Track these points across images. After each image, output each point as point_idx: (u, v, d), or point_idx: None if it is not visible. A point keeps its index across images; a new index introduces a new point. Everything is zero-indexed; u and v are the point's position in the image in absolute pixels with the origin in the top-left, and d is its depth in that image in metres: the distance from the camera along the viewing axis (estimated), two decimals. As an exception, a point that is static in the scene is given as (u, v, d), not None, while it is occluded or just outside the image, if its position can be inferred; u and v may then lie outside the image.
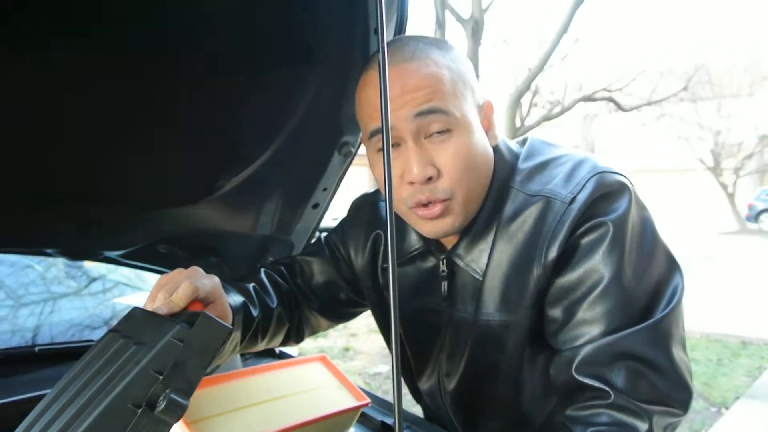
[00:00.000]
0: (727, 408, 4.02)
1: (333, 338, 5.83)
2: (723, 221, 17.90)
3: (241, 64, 1.19)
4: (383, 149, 0.60)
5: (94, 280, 2.21)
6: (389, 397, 1.31)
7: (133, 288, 2.23)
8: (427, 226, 0.95)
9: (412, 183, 0.91)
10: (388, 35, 1.21)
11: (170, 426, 0.64)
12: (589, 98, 7.28)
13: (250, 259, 1.61)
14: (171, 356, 0.66)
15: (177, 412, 0.63)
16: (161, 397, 0.64)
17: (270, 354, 1.67)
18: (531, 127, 6.08)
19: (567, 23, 5.77)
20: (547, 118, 6.64)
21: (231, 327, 0.72)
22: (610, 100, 7.20)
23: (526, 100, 6.38)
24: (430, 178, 0.90)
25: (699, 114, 18.49)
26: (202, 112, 1.24)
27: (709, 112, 18.66)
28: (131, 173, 1.31)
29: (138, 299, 2.09)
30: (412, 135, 0.90)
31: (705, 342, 5.56)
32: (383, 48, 0.65)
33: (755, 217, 18.25)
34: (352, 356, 5.30)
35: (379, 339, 5.82)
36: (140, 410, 0.63)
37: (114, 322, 1.90)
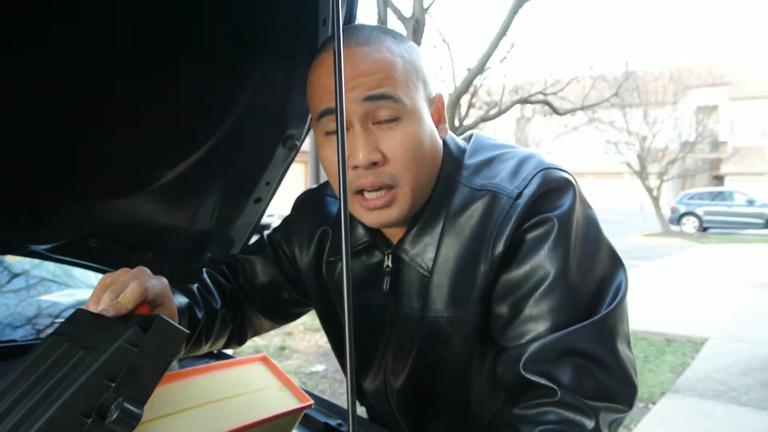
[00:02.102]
0: (653, 403, 4.18)
1: (268, 337, 5.75)
2: (647, 223, 18.67)
3: (182, 52, 1.14)
4: (338, 138, 0.58)
5: (16, 275, 2.10)
6: (326, 398, 1.28)
7: (60, 285, 2.12)
8: (371, 216, 0.93)
9: (356, 167, 0.89)
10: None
11: None
12: (525, 101, 7.43)
13: (188, 255, 1.56)
14: (124, 362, 0.62)
15: (130, 422, 0.60)
16: (113, 407, 0.60)
17: (208, 354, 1.61)
18: (469, 127, 6.14)
19: (506, 26, 5.87)
20: (484, 119, 6.72)
21: (188, 331, 0.68)
22: (546, 103, 7.36)
23: (464, 100, 6.47)
24: (375, 164, 0.89)
25: (627, 120, 19.25)
26: (139, 101, 1.19)
27: (636, 118, 19.46)
28: (62, 162, 1.24)
29: (66, 297, 2.00)
30: (360, 119, 0.89)
31: (632, 339, 5.75)
32: (339, 33, 0.62)
33: (677, 219, 19.22)
34: (288, 355, 5.24)
35: (315, 338, 5.78)
36: (90, 420, 0.59)
37: (39, 321, 1.82)
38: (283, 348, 5.43)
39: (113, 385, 0.61)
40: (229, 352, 1.65)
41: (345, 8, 1.18)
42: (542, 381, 0.82)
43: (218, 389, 1.10)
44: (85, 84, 1.11)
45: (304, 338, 5.82)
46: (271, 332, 6.02)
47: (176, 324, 0.67)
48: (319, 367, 4.88)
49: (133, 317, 0.78)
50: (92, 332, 0.71)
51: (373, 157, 0.88)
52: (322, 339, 5.73)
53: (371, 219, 0.94)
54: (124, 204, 1.39)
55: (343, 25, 1.18)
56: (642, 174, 18.95)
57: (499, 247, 0.89)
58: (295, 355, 5.25)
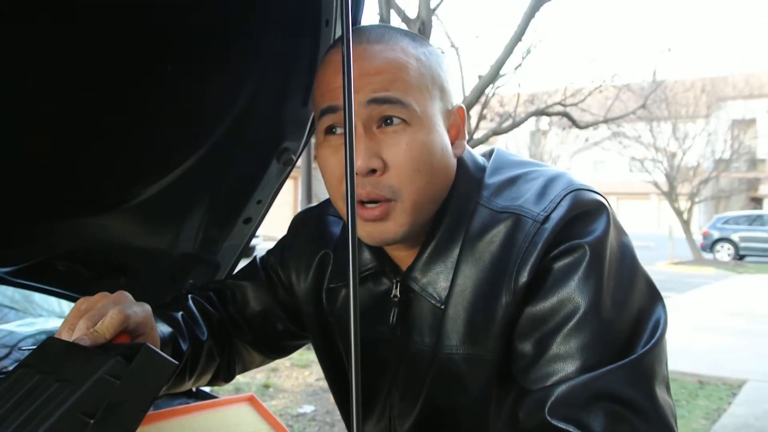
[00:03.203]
0: (684, 454, 4.15)
1: (251, 373, 5.71)
2: (677, 250, 18.67)
3: (168, 53, 1.15)
4: (345, 144, 0.60)
5: (-32, 301, 2.09)
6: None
7: (18, 312, 2.11)
8: (365, 229, 0.93)
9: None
10: (339, 29, 1.20)
11: None
12: (542, 112, 7.47)
13: (167, 281, 1.55)
14: (104, 396, 0.62)
15: None
16: None
17: (187, 393, 1.60)
18: (480, 141, 6.18)
19: (521, 30, 5.93)
20: (496, 132, 6.75)
21: (176, 363, 0.68)
22: (565, 115, 7.41)
23: (474, 111, 6.50)
24: (374, 171, 0.89)
25: (654, 134, 19.33)
26: (115, 106, 1.19)
27: (664, 132, 19.54)
28: (26, 175, 1.24)
29: (25, 326, 1.98)
30: (362, 122, 0.90)
31: (660, 381, 5.75)
32: (348, 31, 0.63)
33: (710, 246, 19.18)
34: (272, 394, 5.21)
35: (303, 375, 5.75)
36: None
37: (-7, 353, 1.81)
38: (267, 386, 5.40)
39: (92, 422, 0.60)
40: (206, 389, 1.64)
41: (351, 6, 1.19)
42: (570, 428, 0.81)
43: (200, 432, 1.09)
44: (54, 91, 1.11)
45: (291, 375, 5.79)
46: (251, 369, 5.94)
47: (164, 355, 0.67)
48: (308, 408, 4.84)
49: (113, 347, 0.78)
50: (67, 363, 0.71)
51: (372, 163, 0.89)
52: (310, 377, 5.70)
53: (366, 233, 0.94)
54: (97, 223, 1.38)
55: (352, 26, 1.20)
56: (671, 195, 19.00)
57: (523, 277, 0.88)
58: (281, 394, 5.21)
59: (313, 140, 1.27)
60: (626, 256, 0.91)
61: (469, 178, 0.99)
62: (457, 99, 1.01)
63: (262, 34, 1.18)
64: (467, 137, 1.03)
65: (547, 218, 0.89)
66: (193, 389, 1.61)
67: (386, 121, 0.90)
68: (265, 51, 1.20)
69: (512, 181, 0.97)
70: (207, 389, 1.64)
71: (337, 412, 1.24)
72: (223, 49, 1.18)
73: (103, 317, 0.83)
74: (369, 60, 0.90)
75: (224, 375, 1.21)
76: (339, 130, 0.94)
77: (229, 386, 4.98)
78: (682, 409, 5.03)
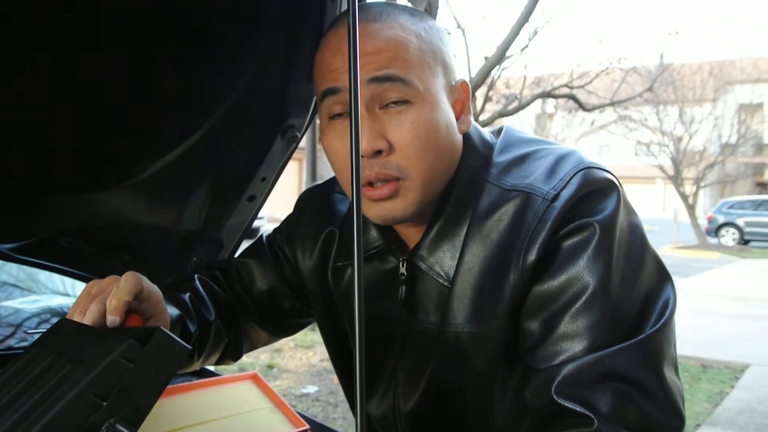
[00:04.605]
0: (686, 437, 4.16)
1: (255, 354, 5.74)
2: (682, 234, 18.64)
3: (170, 26, 1.13)
4: (351, 123, 0.59)
5: (-29, 279, 2.09)
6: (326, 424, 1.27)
7: (23, 290, 2.12)
8: (374, 209, 0.93)
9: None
10: (344, 4, 1.19)
11: None
12: (548, 94, 7.45)
13: (171, 259, 1.55)
14: (117, 379, 0.62)
15: None
16: (103, 428, 0.60)
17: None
18: (486, 123, 6.17)
19: (529, 11, 5.90)
20: (502, 114, 6.75)
21: (190, 347, 0.68)
22: (571, 97, 7.38)
23: (480, 93, 6.48)
24: (379, 152, 0.89)
25: (661, 118, 19.24)
26: (117, 81, 1.18)
27: (671, 116, 19.45)
28: (30, 151, 1.23)
29: (30, 303, 1.99)
30: (365, 103, 0.89)
31: (663, 365, 5.76)
32: (354, 8, 0.62)
33: (715, 230, 19.15)
34: (276, 374, 5.24)
35: (307, 356, 5.78)
36: None
37: (-3, 330, 1.81)
38: (271, 366, 5.43)
39: (105, 404, 0.60)
40: (211, 368, 1.64)
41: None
42: (577, 408, 0.80)
43: (203, 410, 1.09)
44: (57, 66, 1.10)
45: (295, 356, 5.82)
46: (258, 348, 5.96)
47: (178, 339, 0.67)
48: (311, 389, 4.87)
49: (127, 329, 0.78)
50: (81, 345, 0.71)
51: (377, 144, 0.88)
52: (314, 357, 5.72)
53: (375, 213, 0.94)
54: (101, 199, 1.37)
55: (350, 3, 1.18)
56: (676, 179, 18.92)
57: (532, 255, 0.88)
58: (285, 375, 5.24)
59: (317, 120, 1.26)
60: (636, 235, 0.90)
61: (477, 155, 0.98)
62: (460, 74, 0.99)
63: (266, 9, 1.16)
64: (473, 119, 1.02)
65: (556, 196, 0.88)
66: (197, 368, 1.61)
67: (389, 101, 0.89)
68: (269, 27, 1.18)
69: (522, 159, 0.97)
70: (211, 368, 1.64)
71: (341, 393, 1.23)
72: (226, 25, 1.16)
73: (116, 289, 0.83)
74: (367, 39, 0.89)
75: (232, 354, 1.21)
76: (344, 114, 0.93)
77: (233, 366, 5.01)
78: (685, 393, 5.03)
